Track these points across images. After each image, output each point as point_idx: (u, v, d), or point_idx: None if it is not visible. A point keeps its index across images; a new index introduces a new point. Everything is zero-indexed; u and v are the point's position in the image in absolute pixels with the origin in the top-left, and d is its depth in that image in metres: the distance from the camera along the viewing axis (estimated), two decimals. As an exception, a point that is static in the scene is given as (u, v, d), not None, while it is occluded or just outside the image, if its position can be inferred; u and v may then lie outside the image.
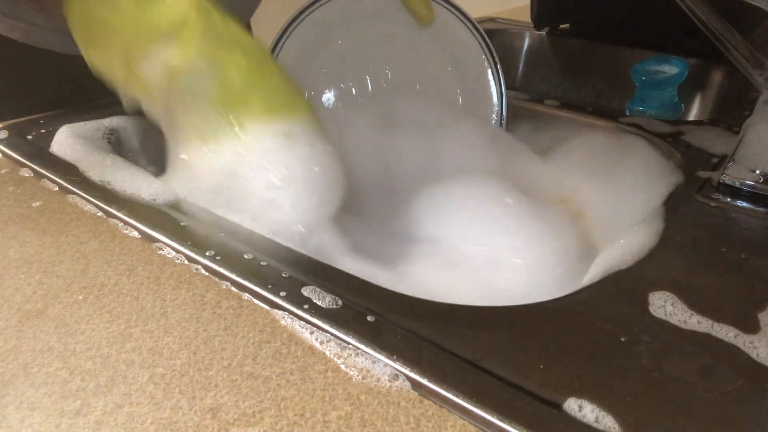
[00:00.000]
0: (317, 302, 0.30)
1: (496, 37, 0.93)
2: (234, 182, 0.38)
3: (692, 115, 0.77)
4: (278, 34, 0.55)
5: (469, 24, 0.59)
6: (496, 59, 0.60)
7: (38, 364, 0.27)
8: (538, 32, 0.89)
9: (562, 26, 0.89)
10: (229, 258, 0.34)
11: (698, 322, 0.30)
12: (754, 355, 0.28)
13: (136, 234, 0.37)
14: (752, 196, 0.42)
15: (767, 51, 0.47)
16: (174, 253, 0.35)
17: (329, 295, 0.31)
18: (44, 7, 0.49)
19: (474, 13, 0.99)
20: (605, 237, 0.43)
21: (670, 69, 0.69)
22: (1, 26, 0.52)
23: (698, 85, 0.76)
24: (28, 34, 0.52)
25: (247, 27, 0.73)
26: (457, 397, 0.25)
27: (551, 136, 0.62)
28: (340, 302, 0.30)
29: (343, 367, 0.27)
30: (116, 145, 0.49)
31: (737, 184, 0.43)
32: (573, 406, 0.25)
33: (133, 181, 0.41)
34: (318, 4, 0.55)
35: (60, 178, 0.42)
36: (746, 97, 0.62)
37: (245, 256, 0.34)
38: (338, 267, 0.34)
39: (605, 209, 0.44)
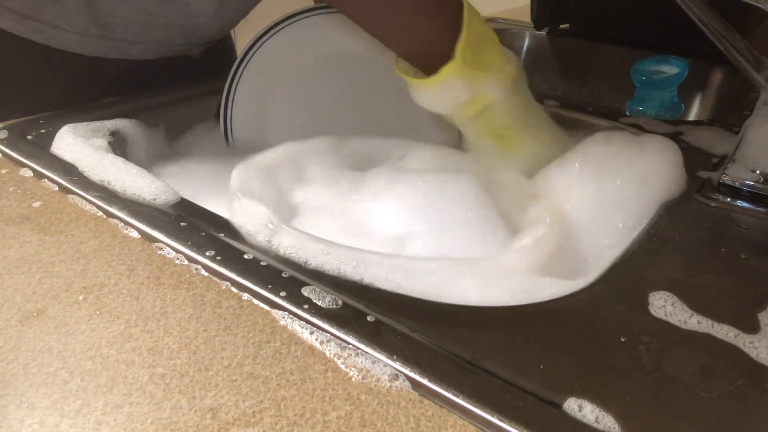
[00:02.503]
0: (317, 302, 0.30)
1: (496, 37, 0.93)
2: None
3: (692, 115, 0.77)
4: (249, 44, 0.56)
5: None
6: None
7: (38, 364, 0.27)
8: (538, 32, 0.89)
9: (562, 26, 0.89)
10: (229, 258, 0.34)
11: (698, 322, 0.30)
12: (754, 355, 0.28)
13: (136, 234, 0.37)
14: (752, 196, 0.42)
15: (767, 51, 0.47)
16: (174, 253, 0.35)
17: (329, 295, 0.31)
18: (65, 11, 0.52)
19: (474, 13, 0.97)
20: (604, 237, 0.42)
21: (670, 69, 0.69)
22: (23, 28, 0.52)
23: (698, 85, 0.75)
24: (51, 36, 0.53)
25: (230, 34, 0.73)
26: (457, 397, 0.25)
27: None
28: (340, 302, 0.30)
29: (343, 367, 0.27)
30: (116, 146, 0.49)
31: (737, 184, 0.43)
32: (573, 406, 0.25)
33: (133, 181, 0.41)
34: (289, 21, 0.56)
35: (60, 178, 0.42)
36: (746, 97, 0.62)
37: (245, 256, 0.34)
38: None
39: (604, 209, 0.44)
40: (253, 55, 0.55)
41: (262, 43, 0.55)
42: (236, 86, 0.56)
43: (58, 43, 0.54)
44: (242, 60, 0.55)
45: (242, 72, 0.55)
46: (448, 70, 0.44)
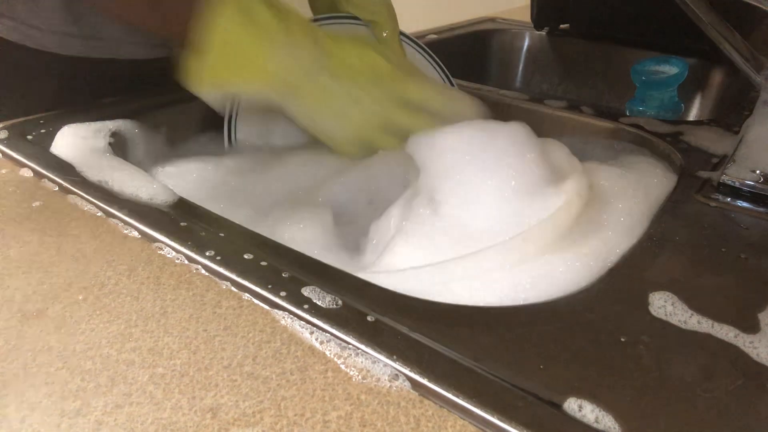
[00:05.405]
0: (317, 302, 0.30)
1: (496, 37, 0.93)
2: None
3: (692, 115, 0.77)
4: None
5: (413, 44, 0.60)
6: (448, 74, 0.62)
7: (38, 364, 0.27)
8: (538, 32, 0.89)
9: (562, 26, 0.89)
10: (229, 258, 0.34)
11: (698, 322, 0.30)
12: (754, 355, 0.28)
13: (136, 234, 0.37)
14: (752, 196, 0.42)
15: (767, 51, 0.47)
16: (174, 253, 0.35)
17: (329, 295, 0.31)
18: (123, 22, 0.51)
19: (474, 14, 0.99)
20: (604, 236, 0.42)
21: (670, 69, 0.69)
22: None
23: (698, 85, 0.76)
24: (26, 36, 0.52)
25: None
26: (457, 397, 0.25)
27: (550, 136, 0.62)
28: (340, 302, 0.30)
29: (343, 367, 0.27)
30: (117, 146, 0.49)
31: (737, 184, 0.43)
32: (573, 406, 0.25)
33: (131, 181, 0.41)
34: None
35: (60, 178, 0.42)
36: (746, 97, 0.62)
37: (245, 256, 0.34)
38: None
39: (603, 208, 0.44)
40: None
41: None
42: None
43: (34, 42, 0.52)
44: None
45: None
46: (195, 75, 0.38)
